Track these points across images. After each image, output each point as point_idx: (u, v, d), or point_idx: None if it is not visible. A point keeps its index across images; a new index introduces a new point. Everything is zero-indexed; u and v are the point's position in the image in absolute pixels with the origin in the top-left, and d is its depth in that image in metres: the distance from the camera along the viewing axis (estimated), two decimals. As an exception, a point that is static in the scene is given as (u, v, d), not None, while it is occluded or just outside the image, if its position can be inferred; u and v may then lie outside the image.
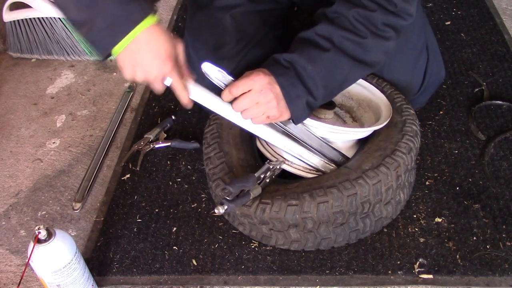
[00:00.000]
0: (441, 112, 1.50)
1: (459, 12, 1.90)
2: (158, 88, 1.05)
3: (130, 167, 1.46)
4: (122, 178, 1.43)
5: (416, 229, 1.20)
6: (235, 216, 1.19)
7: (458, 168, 1.34)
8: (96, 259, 1.24)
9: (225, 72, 1.10)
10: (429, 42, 1.40)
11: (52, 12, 1.80)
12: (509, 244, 1.16)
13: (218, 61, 1.12)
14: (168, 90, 1.08)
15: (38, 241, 1.01)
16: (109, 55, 1.00)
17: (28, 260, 1.02)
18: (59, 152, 1.57)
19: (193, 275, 1.18)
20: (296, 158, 1.20)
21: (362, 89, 1.32)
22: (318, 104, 1.13)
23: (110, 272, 1.20)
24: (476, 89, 1.57)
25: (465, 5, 1.93)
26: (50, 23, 1.84)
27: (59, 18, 1.82)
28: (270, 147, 1.26)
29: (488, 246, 1.15)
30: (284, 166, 1.21)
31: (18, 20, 1.87)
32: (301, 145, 1.18)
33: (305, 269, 1.15)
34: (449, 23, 1.85)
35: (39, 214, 1.38)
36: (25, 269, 1.12)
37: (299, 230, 1.13)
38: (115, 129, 1.61)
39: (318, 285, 1.13)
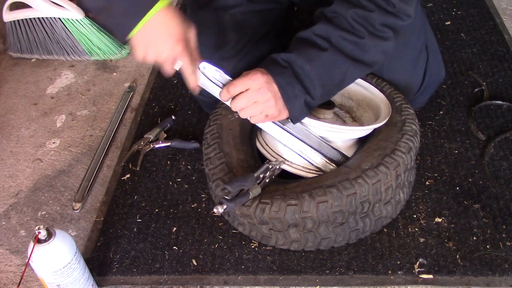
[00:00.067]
0: (441, 112, 1.50)
1: (459, 12, 1.90)
2: (168, 70, 1.07)
3: (130, 167, 1.46)
4: (122, 178, 1.43)
5: (416, 229, 1.20)
6: (235, 216, 1.19)
7: (458, 168, 1.34)
8: (96, 259, 1.24)
9: (222, 72, 1.10)
10: (429, 42, 1.40)
11: (52, 12, 1.80)
12: (509, 244, 1.15)
13: (217, 61, 1.12)
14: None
15: (38, 241, 1.01)
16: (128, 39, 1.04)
17: (28, 260, 1.02)
18: (59, 152, 1.57)
19: (193, 275, 1.18)
20: (298, 154, 1.20)
21: (362, 89, 1.32)
22: (316, 103, 1.13)
23: (110, 272, 1.20)
24: (476, 89, 1.57)
25: (465, 5, 1.93)
26: (50, 23, 1.84)
27: (59, 18, 1.82)
28: (270, 148, 1.26)
29: (488, 246, 1.15)
30: (284, 166, 1.21)
31: (18, 20, 1.87)
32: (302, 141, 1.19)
33: (305, 269, 1.15)
34: (449, 23, 1.85)
35: (39, 214, 1.38)
36: (25, 269, 1.12)
37: (299, 230, 1.13)
38: (115, 129, 1.60)
39: (318, 285, 1.13)
